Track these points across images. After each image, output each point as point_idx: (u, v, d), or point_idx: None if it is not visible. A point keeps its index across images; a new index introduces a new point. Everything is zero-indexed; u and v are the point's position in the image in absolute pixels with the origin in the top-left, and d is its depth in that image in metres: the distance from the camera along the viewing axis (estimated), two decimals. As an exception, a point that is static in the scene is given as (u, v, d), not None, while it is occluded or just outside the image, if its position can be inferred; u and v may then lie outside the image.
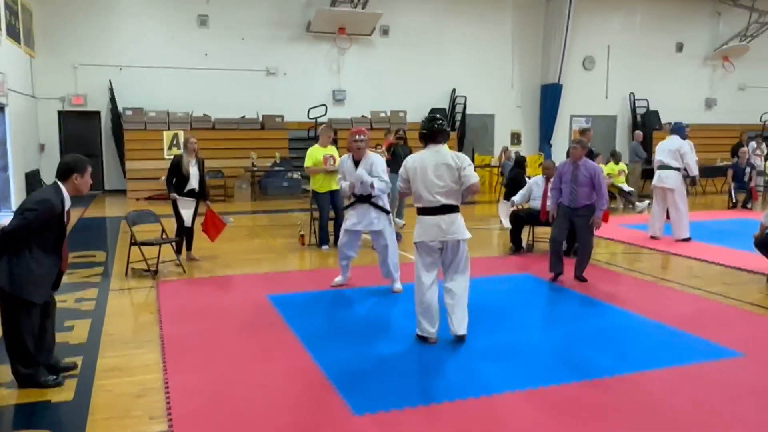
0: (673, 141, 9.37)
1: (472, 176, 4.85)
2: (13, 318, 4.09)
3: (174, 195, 7.83)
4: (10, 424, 3.74)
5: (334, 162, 8.64)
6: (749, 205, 13.04)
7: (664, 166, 9.32)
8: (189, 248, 8.07)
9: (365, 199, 6.36)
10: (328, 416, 3.74)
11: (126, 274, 7.36)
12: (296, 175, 15.82)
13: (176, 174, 7.83)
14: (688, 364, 4.56)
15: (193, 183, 7.92)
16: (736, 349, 4.84)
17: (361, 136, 6.35)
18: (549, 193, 7.18)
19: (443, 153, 4.88)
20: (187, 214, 7.91)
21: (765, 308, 6.04)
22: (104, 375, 4.41)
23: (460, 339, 4.94)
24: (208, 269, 7.65)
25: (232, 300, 6.30)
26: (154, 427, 3.65)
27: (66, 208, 4.19)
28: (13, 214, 4.26)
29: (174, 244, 7.70)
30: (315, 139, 15.73)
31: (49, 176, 14.88)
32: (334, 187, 8.72)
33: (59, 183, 4.19)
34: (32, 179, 13.65)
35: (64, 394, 4.11)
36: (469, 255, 5.06)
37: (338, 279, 6.74)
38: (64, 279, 4.58)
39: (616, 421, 3.69)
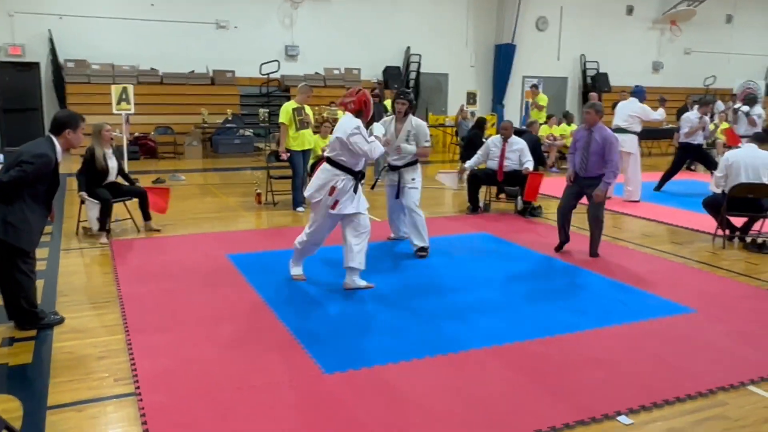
0: (632, 105, 9.51)
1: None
2: (11, 264, 4.22)
3: (83, 194, 6.76)
4: (-35, 388, 3.60)
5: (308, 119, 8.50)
6: (693, 167, 13.45)
7: (621, 130, 9.36)
8: (147, 218, 7.28)
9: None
10: (299, 375, 3.73)
11: (77, 233, 7.12)
12: (248, 132, 15.51)
13: (91, 170, 6.80)
14: (645, 320, 4.72)
15: (113, 177, 6.99)
16: (689, 305, 5.04)
17: None
18: (567, 158, 6.72)
19: None
20: (92, 219, 6.78)
21: (713, 266, 6.29)
22: (63, 337, 4.29)
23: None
24: (162, 226, 7.42)
25: (190, 259, 6.17)
26: (121, 389, 3.57)
27: (58, 161, 4.31)
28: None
29: (126, 203, 7.44)
30: (266, 96, 15.50)
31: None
32: (308, 146, 8.57)
33: (52, 137, 4.31)
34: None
35: (21, 357, 3.98)
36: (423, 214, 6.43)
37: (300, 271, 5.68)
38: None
39: (578, 375, 3.80)
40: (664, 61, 21.77)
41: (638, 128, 9.47)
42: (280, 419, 3.25)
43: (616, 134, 9.53)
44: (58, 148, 4.32)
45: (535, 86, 15.17)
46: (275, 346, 4.14)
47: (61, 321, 4.51)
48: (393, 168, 6.52)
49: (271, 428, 3.17)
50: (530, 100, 14.89)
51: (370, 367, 3.83)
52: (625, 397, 3.53)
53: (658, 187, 10.60)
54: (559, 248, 6.68)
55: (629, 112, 9.45)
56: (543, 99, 14.80)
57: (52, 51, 14.52)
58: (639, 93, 9.69)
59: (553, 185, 11.13)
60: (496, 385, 3.69)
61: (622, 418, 3.32)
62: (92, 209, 6.77)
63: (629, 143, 9.37)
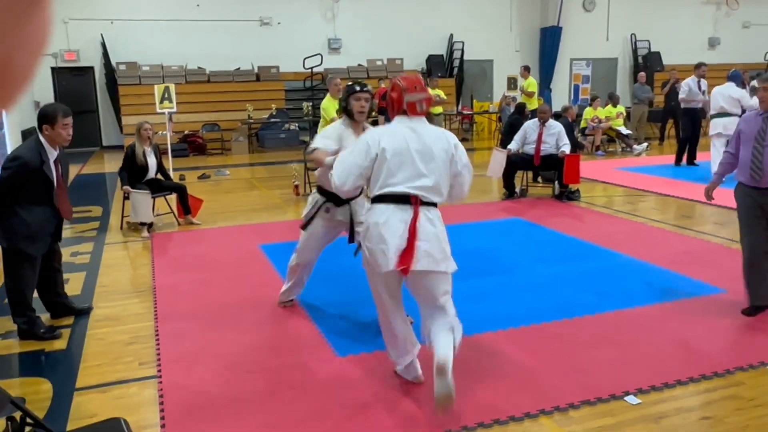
0: (732, 89, 9.46)
1: None
2: (13, 270, 4.19)
3: (127, 187, 7.01)
4: (5, 372, 3.87)
5: None
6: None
7: (727, 114, 9.33)
8: (187, 212, 7.55)
9: None
10: (313, 357, 3.85)
11: (121, 227, 7.44)
12: (293, 126, 15.77)
13: (131, 166, 7.10)
14: (669, 301, 4.63)
15: (152, 174, 7.24)
16: (719, 285, 4.91)
17: None
18: (718, 159, 4.83)
19: None
20: (144, 210, 7.01)
21: (752, 246, 6.07)
22: (97, 325, 4.53)
23: None
24: (203, 221, 7.68)
25: (225, 250, 6.38)
26: (144, 372, 3.76)
27: (50, 160, 4.14)
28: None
29: (166, 198, 7.72)
30: (310, 89, 15.68)
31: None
32: None
33: (39, 135, 4.18)
34: (29, 137, 13.64)
35: (57, 343, 4.23)
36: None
37: None
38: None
39: (590, 356, 3.78)
40: (720, 37, 20.91)
41: (739, 111, 9.31)
42: (290, 399, 3.36)
43: (720, 118, 9.36)
44: (46, 145, 4.12)
45: (526, 68, 14.22)
46: (292, 330, 4.27)
47: (55, 337, 4.29)
48: (337, 199, 4.19)
49: (280, 409, 3.28)
50: (521, 80, 14.03)
51: (383, 350, 3.89)
52: (636, 377, 3.49)
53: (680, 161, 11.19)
54: (753, 312, 4.39)
55: (732, 96, 9.38)
56: (532, 85, 13.62)
57: (105, 55, 15.12)
58: (736, 78, 9.55)
59: (597, 168, 10.95)
60: (505, 365, 3.70)
61: (630, 398, 3.29)
62: (141, 202, 7.00)
63: (733, 126, 9.25)
